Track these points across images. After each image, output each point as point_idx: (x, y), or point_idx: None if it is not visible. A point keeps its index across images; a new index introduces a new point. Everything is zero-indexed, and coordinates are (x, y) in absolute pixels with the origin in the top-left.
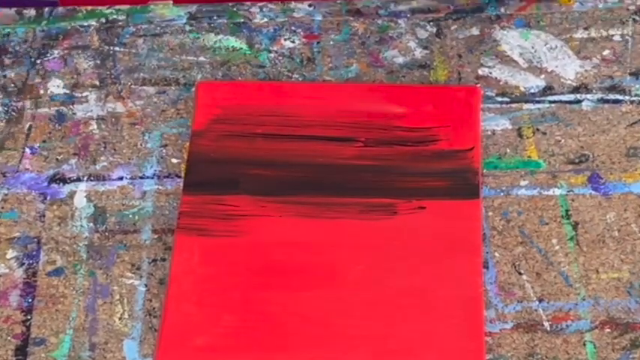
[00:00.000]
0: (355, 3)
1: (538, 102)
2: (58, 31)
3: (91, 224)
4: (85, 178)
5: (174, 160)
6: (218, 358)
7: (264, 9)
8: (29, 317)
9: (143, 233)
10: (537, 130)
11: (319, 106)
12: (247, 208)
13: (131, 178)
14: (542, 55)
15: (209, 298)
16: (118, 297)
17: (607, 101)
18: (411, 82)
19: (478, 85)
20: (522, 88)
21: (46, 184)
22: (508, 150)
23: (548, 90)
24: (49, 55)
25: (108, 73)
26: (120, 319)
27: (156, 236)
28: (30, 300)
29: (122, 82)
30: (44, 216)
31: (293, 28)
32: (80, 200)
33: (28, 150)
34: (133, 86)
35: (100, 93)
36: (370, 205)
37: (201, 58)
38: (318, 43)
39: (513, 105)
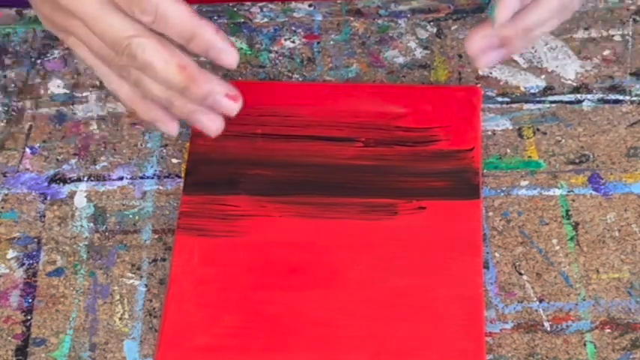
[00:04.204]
0: (355, 3)
1: (538, 102)
2: None
3: (91, 224)
4: (86, 178)
5: (174, 161)
6: (218, 358)
7: (265, 9)
8: (29, 317)
9: (143, 233)
10: (538, 130)
11: (319, 106)
12: (247, 208)
13: (131, 178)
14: (543, 55)
15: (209, 298)
16: (118, 297)
17: (607, 101)
18: (412, 82)
19: (478, 85)
20: (523, 88)
21: (46, 184)
22: (508, 150)
23: (548, 90)
24: (49, 55)
25: None
26: (120, 319)
27: (156, 236)
28: (30, 300)
29: None
30: (44, 216)
31: (293, 28)
32: (80, 200)
33: (28, 150)
34: None
35: (101, 93)
36: (370, 206)
37: (202, 58)
38: (318, 43)
39: (514, 105)
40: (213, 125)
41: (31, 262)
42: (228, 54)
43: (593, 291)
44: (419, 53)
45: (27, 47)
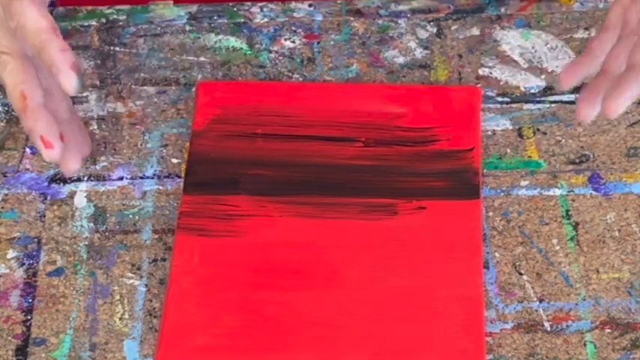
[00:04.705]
0: (355, 3)
1: (538, 102)
2: None
3: (92, 224)
4: (86, 179)
5: (174, 160)
6: (218, 358)
7: (265, 9)
8: (29, 317)
9: (143, 233)
10: (538, 130)
11: (319, 106)
12: (247, 208)
13: (131, 178)
14: (543, 55)
15: (209, 298)
16: (118, 297)
17: None
18: (412, 82)
19: (478, 85)
20: (523, 88)
21: (46, 184)
22: (508, 150)
23: (548, 90)
24: None
25: (108, 73)
26: (120, 319)
27: (156, 236)
28: (30, 300)
29: (122, 82)
30: (44, 216)
31: (293, 28)
32: (80, 200)
33: (28, 150)
34: (133, 86)
35: (101, 93)
36: (370, 205)
37: (202, 58)
38: (318, 43)
39: (514, 105)
40: (44, 154)
41: (31, 262)
42: (66, 77)
43: (593, 291)
44: (419, 53)
45: None
